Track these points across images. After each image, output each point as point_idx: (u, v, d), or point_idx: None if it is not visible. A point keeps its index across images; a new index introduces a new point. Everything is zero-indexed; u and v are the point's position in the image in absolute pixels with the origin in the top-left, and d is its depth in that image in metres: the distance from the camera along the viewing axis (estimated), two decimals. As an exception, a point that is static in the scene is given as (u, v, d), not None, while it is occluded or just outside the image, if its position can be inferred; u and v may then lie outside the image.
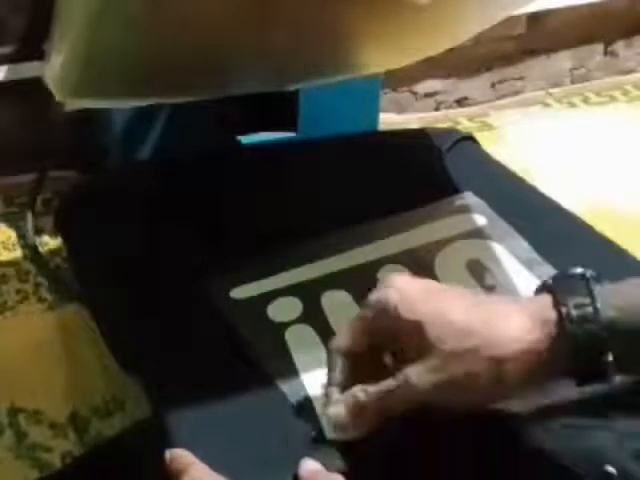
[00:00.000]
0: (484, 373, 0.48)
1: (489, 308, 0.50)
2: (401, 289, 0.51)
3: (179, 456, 0.51)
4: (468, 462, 0.53)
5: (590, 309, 0.47)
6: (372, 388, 0.50)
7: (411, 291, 0.51)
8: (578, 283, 0.48)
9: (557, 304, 0.48)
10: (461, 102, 1.35)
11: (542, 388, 0.51)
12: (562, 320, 0.47)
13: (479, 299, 0.54)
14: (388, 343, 0.52)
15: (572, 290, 0.48)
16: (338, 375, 0.52)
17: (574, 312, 0.47)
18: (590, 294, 0.47)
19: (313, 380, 0.58)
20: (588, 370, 0.48)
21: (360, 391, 0.50)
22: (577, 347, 0.47)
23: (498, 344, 0.48)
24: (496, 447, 0.53)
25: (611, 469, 0.50)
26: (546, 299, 0.49)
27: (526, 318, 0.48)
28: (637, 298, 0.48)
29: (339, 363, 0.52)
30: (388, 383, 0.50)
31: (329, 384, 0.53)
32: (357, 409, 0.50)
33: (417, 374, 0.49)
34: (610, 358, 0.46)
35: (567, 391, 0.56)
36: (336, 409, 0.51)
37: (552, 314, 0.48)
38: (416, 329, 0.49)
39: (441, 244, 0.73)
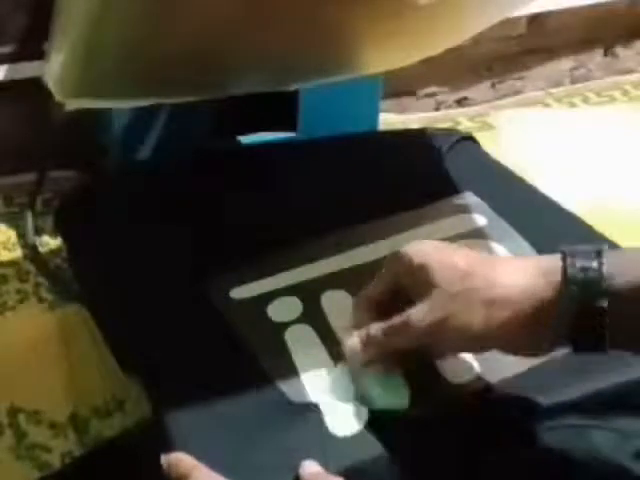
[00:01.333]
0: (480, 315, 0.50)
1: (495, 258, 0.55)
2: (416, 245, 0.56)
3: (180, 460, 0.51)
4: (469, 462, 0.53)
5: (595, 263, 0.48)
6: (383, 324, 0.55)
7: (424, 244, 0.56)
8: (587, 248, 0.50)
9: (564, 258, 0.49)
10: (461, 102, 1.35)
11: (537, 347, 0.52)
12: (566, 269, 0.48)
13: (489, 255, 0.58)
14: (401, 288, 0.55)
15: (581, 251, 0.49)
16: (360, 319, 0.57)
17: (579, 263, 0.48)
18: (598, 254, 0.48)
19: (313, 380, 0.58)
20: (585, 327, 0.48)
21: (372, 326, 0.55)
22: (575, 293, 0.48)
23: (497, 286, 0.50)
24: (497, 447, 0.53)
25: (611, 468, 0.50)
26: (554, 255, 0.50)
27: (530, 267, 0.51)
28: None
29: (361, 309, 0.58)
30: (394, 320, 0.54)
31: (352, 326, 0.58)
32: (367, 341, 0.55)
33: (417, 313, 0.53)
34: (605, 304, 0.47)
35: (567, 391, 0.56)
36: (352, 340, 0.56)
37: (557, 264, 0.49)
38: (424, 272, 0.53)
39: (441, 244, 0.73)
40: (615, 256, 0.49)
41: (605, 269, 0.47)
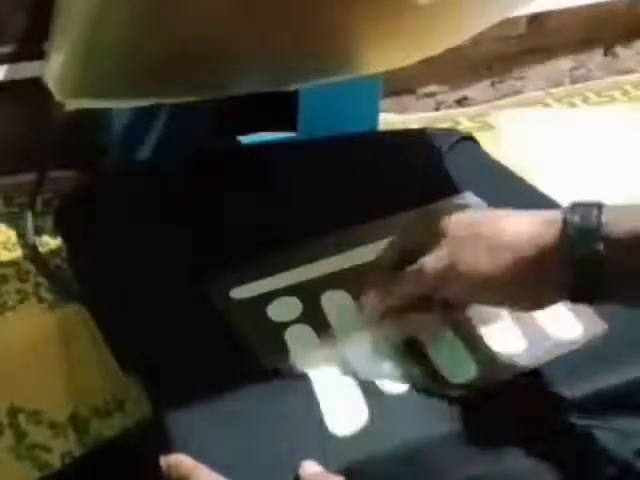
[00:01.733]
0: (486, 260, 0.53)
1: (501, 212, 0.57)
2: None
3: (180, 461, 0.51)
4: (469, 464, 0.53)
5: (594, 213, 0.50)
6: (399, 273, 0.59)
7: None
8: (590, 202, 0.52)
9: (565, 211, 0.51)
10: (461, 102, 1.35)
11: (539, 296, 0.53)
12: (566, 218, 0.51)
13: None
14: (416, 247, 0.59)
15: (583, 203, 0.52)
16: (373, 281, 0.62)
17: (579, 212, 0.50)
18: (599, 207, 0.50)
19: (313, 379, 0.58)
20: (583, 273, 0.50)
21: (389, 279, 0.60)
22: (573, 240, 0.50)
23: (503, 234, 0.53)
24: (497, 447, 0.53)
25: (612, 470, 0.51)
26: (558, 210, 0.53)
27: (534, 218, 0.53)
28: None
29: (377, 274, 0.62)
30: (410, 268, 0.58)
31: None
32: (385, 290, 0.60)
33: (429, 260, 0.56)
34: (601, 247, 0.49)
35: (568, 390, 0.56)
36: (369, 292, 0.61)
37: (559, 217, 0.51)
38: (432, 227, 0.57)
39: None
40: (614, 208, 0.50)
41: (604, 218, 0.49)
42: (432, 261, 0.56)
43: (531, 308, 0.56)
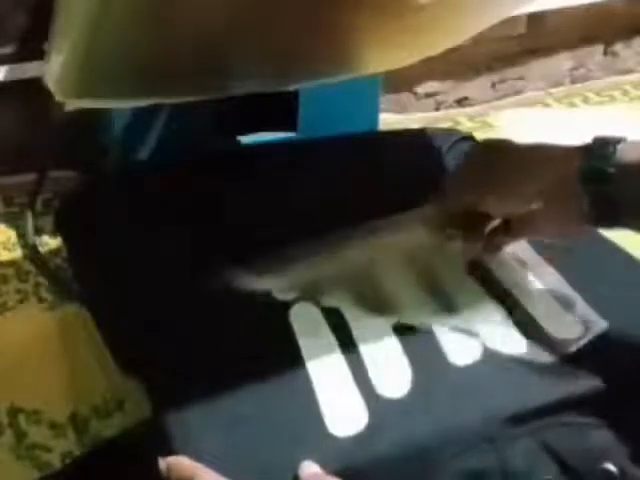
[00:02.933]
0: (514, 178, 0.60)
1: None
2: None
3: (181, 462, 0.51)
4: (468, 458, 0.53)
5: (612, 142, 0.56)
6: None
7: None
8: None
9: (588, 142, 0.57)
10: (461, 102, 1.35)
11: (563, 219, 0.59)
12: (587, 145, 0.57)
13: None
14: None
15: (605, 136, 0.57)
16: None
17: (599, 141, 0.57)
18: (618, 140, 0.56)
19: (315, 380, 0.58)
20: (598, 194, 0.55)
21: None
22: (590, 163, 0.56)
23: (531, 155, 0.60)
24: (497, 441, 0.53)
25: (611, 467, 0.51)
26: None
27: (561, 145, 0.59)
28: None
29: None
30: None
31: None
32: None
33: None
34: (613, 170, 0.54)
35: (567, 390, 0.56)
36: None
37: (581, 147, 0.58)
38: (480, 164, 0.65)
39: (441, 244, 0.73)
40: (631, 142, 0.55)
41: (620, 146, 0.55)
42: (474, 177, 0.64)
43: (558, 229, 0.61)
